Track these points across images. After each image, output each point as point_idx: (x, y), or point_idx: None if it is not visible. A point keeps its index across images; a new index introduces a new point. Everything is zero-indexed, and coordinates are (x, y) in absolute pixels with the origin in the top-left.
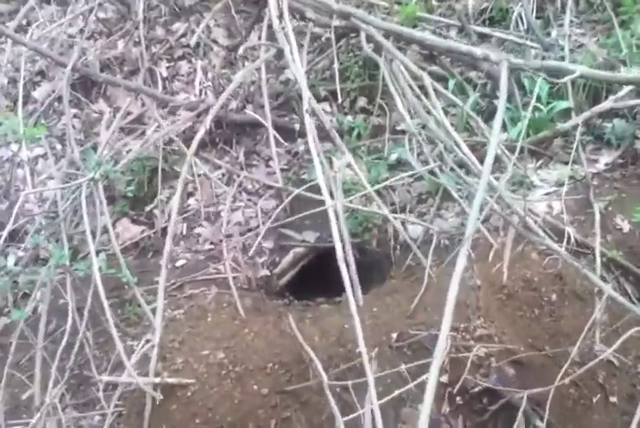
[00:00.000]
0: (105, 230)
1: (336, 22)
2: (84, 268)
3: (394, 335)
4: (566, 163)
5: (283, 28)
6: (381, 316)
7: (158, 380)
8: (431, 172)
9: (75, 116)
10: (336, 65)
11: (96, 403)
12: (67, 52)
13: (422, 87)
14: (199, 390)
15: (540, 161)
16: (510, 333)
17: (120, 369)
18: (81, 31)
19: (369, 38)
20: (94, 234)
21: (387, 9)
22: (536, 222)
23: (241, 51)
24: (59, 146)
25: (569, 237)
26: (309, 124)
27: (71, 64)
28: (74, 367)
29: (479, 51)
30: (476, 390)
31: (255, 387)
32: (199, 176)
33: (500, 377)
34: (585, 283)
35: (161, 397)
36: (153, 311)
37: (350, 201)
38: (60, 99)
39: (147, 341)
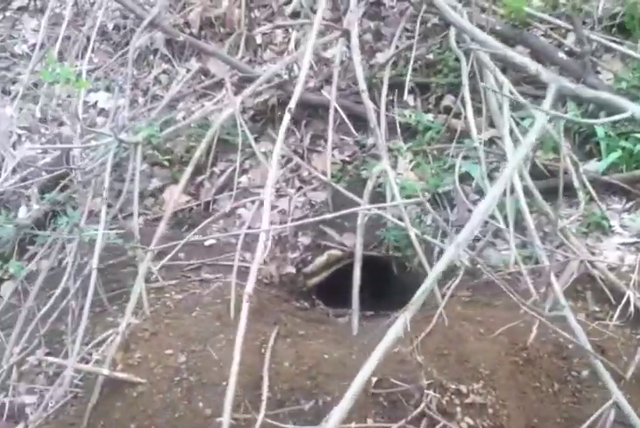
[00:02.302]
0: (151, 194)
1: None
2: (91, 232)
3: (374, 379)
4: None
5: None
6: (369, 353)
7: (106, 372)
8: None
9: (164, 72)
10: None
11: None
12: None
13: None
14: (146, 392)
15: (630, 204)
16: (512, 408)
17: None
18: None
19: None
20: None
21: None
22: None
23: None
24: (141, 99)
25: (627, 303)
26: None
27: (149, 19)
28: (46, 335)
29: (533, 66)
30: None
31: (201, 404)
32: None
33: None
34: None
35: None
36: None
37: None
38: (155, 52)
39: (129, 325)
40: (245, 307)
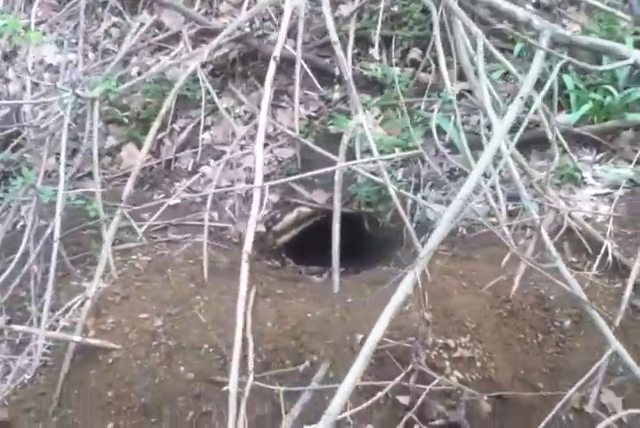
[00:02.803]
0: (107, 153)
1: None
2: (50, 194)
3: (359, 337)
4: (630, 162)
5: None
6: (352, 310)
7: (78, 338)
8: (471, 146)
9: (114, 25)
10: None
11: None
12: None
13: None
14: (121, 358)
15: (600, 155)
16: (499, 360)
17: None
18: None
19: None
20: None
21: None
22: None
23: None
24: (92, 54)
25: (605, 253)
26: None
27: None
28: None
29: (521, 13)
30: (437, 423)
31: (182, 369)
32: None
33: (471, 413)
34: (613, 311)
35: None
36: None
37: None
38: (104, 4)
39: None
40: (245, 267)
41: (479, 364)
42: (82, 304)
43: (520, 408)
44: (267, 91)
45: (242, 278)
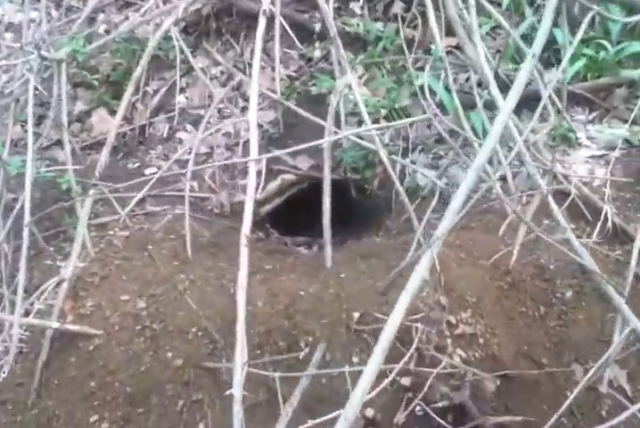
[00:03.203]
0: (77, 119)
1: None
2: (18, 165)
3: (356, 315)
4: (625, 121)
5: None
6: (347, 286)
7: (56, 324)
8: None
9: None
10: None
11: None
12: None
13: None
14: (103, 345)
15: (593, 114)
16: (502, 335)
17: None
18: None
19: None
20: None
21: None
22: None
23: None
24: (55, 12)
25: (605, 219)
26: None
27: None
28: None
29: None
30: (440, 405)
31: (169, 354)
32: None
33: (475, 393)
34: (615, 280)
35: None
36: (94, 228)
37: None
38: None
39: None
40: (244, 252)
41: (481, 340)
42: (58, 286)
43: (525, 386)
44: (258, 51)
45: (241, 264)
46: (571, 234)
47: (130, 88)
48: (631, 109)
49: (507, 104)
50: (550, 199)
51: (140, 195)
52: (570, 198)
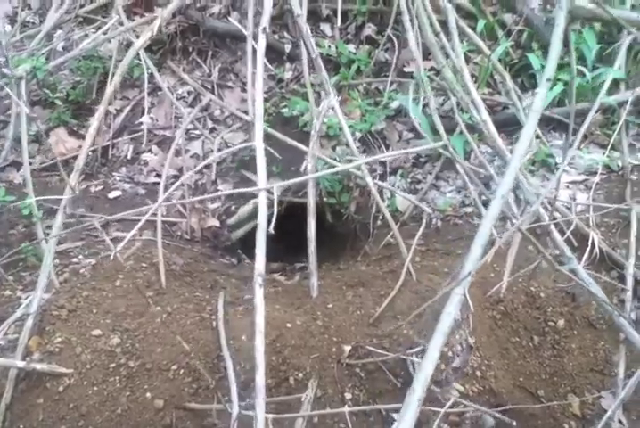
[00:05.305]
0: (34, 139)
1: None
2: None
3: (347, 348)
4: (603, 147)
5: None
6: (335, 318)
7: (21, 364)
8: (437, 131)
9: None
10: None
11: None
12: None
13: (443, 24)
14: (74, 385)
15: (571, 139)
16: (497, 367)
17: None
18: None
19: None
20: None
21: None
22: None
23: None
24: (8, 27)
25: (592, 245)
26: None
27: None
28: None
29: None
30: None
31: (148, 395)
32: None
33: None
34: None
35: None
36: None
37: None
38: None
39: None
40: (260, 292)
41: (478, 373)
42: (21, 319)
43: (522, 418)
44: (260, 72)
45: (257, 306)
46: (578, 264)
47: (101, 108)
48: (609, 134)
49: (526, 132)
50: (552, 228)
51: (130, 235)
52: (555, 223)
